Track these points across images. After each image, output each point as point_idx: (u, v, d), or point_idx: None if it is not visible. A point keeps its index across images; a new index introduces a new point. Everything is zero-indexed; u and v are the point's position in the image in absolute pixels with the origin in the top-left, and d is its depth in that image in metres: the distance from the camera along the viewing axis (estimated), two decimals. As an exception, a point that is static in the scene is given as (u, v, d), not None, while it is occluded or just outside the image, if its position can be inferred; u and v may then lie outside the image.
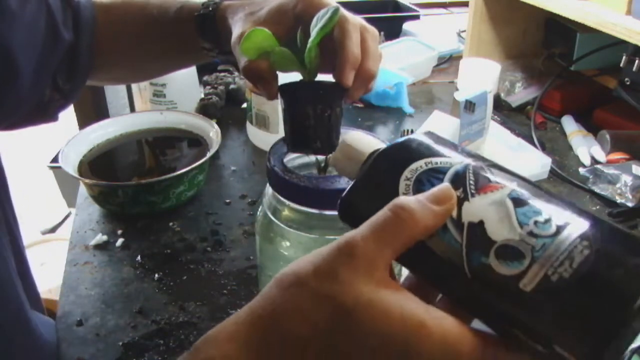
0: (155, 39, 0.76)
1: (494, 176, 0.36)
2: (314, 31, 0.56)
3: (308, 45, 0.56)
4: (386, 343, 0.32)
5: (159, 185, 0.89)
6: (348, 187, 0.41)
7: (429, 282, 0.37)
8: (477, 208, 0.35)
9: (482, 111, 1.03)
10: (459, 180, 0.36)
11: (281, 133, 1.07)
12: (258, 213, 0.64)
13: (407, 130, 1.16)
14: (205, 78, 1.31)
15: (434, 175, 0.37)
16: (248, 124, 1.13)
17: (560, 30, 1.21)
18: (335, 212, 0.56)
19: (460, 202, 0.35)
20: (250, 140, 1.15)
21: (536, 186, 0.36)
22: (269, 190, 0.61)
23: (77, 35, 0.72)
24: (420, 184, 0.37)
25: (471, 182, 0.36)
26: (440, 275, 0.36)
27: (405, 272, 0.39)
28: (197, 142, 1.02)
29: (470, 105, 1.00)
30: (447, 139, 0.42)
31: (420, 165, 0.38)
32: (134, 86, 1.13)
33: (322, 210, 0.57)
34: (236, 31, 0.62)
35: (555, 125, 1.21)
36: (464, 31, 1.50)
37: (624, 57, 1.05)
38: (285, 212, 0.60)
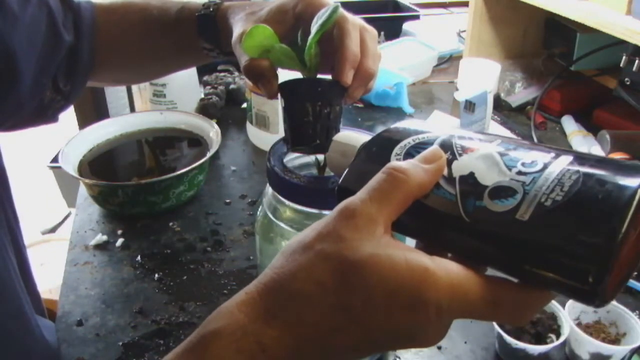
0: (156, 40, 0.76)
1: (479, 139, 0.39)
2: (313, 29, 0.57)
3: (308, 43, 0.56)
4: (394, 293, 0.32)
5: (159, 185, 0.89)
6: (343, 175, 0.42)
7: (430, 240, 0.38)
8: (466, 163, 0.37)
9: (482, 111, 1.03)
10: (446, 146, 0.38)
11: (281, 133, 1.07)
12: (258, 213, 0.64)
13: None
14: (205, 78, 1.31)
15: (421, 146, 0.39)
16: (248, 124, 1.13)
17: (560, 30, 1.21)
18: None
19: (449, 162, 0.37)
20: (250, 140, 1.15)
21: (521, 140, 0.39)
22: (269, 190, 0.61)
23: (77, 36, 0.72)
24: (410, 156, 0.39)
25: (457, 146, 0.38)
26: (440, 228, 0.37)
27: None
28: (197, 142, 1.03)
29: (470, 105, 1.00)
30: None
31: (408, 141, 0.40)
32: (134, 86, 1.13)
33: (322, 210, 0.57)
34: (237, 30, 0.62)
35: (555, 125, 1.21)
36: (464, 31, 1.50)
37: (624, 57, 1.05)
38: (285, 212, 0.60)
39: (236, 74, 1.33)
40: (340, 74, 0.57)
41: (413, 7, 1.67)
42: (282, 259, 0.36)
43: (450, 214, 0.36)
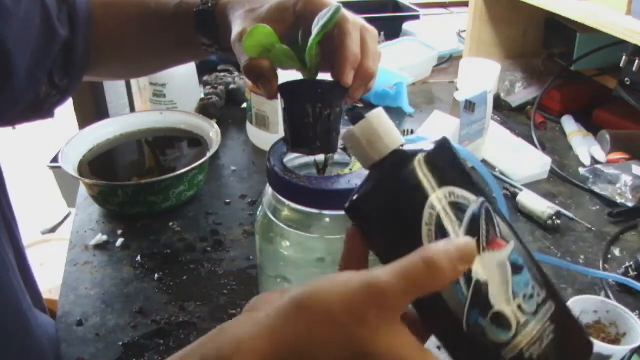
0: (154, 34, 0.75)
1: (499, 228, 0.39)
2: (315, 29, 0.56)
3: (309, 43, 0.56)
4: None
5: (159, 185, 0.89)
6: (363, 189, 0.41)
7: (428, 322, 0.40)
8: (485, 267, 0.38)
9: (482, 111, 1.03)
10: (474, 226, 0.38)
11: (281, 133, 1.07)
12: (258, 213, 0.64)
13: (407, 131, 1.15)
14: (205, 78, 1.31)
15: (455, 212, 0.38)
16: (248, 124, 1.14)
17: (560, 31, 1.21)
18: (334, 212, 0.57)
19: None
20: (250, 140, 1.15)
21: (524, 246, 0.40)
22: (269, 190, 0.61)
23: (72, 31, 0.71)
24: (443, 222, 0.38)
25: (484, 231, 0.39)
26: (440, 320, 0.38)
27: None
28: (197, 142, 1.03)
29: (470, 105, 1.00)
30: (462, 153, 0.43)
31: (445, 194, 0.38)
32: (134, 86, 1.13)
33: (322, 210, 0.57)
34: (236, 29, 0.62)
35: (555, 125, 1.21)
36: (464, 31, 1.50)
37: (624, 57, 1.05)
38: (285, 212, 0.60)
39: (236, 74, 1.33)
40: (341, 75, 0.57)
41: (413, 7, 1.66)
42: (300, 319, 0.36)
43: (454, 314, 0.37)
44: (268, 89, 0.59)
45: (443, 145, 0.40)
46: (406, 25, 1.56)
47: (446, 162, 0.40)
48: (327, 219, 0.58)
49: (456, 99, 1.00)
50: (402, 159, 0.39)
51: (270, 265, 0.65)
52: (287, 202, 0.58)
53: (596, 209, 0.96)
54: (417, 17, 1.62)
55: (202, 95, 1.23)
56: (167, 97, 1.16)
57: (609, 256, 0.86)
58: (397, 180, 0.39)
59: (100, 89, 1.03)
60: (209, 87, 1.26)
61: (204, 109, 1.18)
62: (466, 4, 1.46)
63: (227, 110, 1.25)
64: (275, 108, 1.06)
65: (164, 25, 0.74)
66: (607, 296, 0.78)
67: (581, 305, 0.72)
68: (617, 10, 0.94)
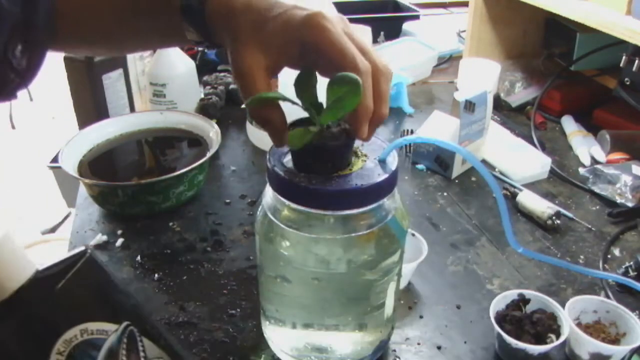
0: (133, 18, 0.67)
1: (143, 352, 0.36)
2: (330, 110, 0.55)
3: (321, 118, 0.56)
4: None
5: (159, 185, 0.89)
6: None
7: None
8: None
9: (482, 111, 1.03)
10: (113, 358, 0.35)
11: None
12: (258, 213, 0.64)
13: (407, 131, 1.15)
14: (205, 78, 1.31)
15: (88, 352, 0.34)
16: (248, 124, 1.14)
17: (560, 30, 1.21)
18: (335, 212, 0.57)
19: None
20: (250, 140, 1.15)
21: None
22: (268, 190, 0.61)
23: (29, 9, 0.63)
24: None
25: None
26: None
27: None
28: (197, 142, 1.03)
29: (470, 105, 1.00)
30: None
31: (74, 336, 0.34)
32: (134, 86, 1.13)
33: (322, 210, 0.57)
34: (239, 52, 0.57)
35: (555, 125, 1.21)
36: (464, 31, 1.50)
37: (623, 57, 1.05)
38: (285, 212, 0.60)
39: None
40: (356, 131, 0.56)
41: (413, 7, 1.67)
42: None
43: None
44: (277, 140, 0.58)
45: (81, 273, 0.36)
46: (406, 25, 1.56)
47: (82, 293, 0.36)
48: (330, 219, 0.58)
49: (456, 99, 1.00)
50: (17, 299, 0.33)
51: (270, 265, 0.65)
52: (287, 202, 0.58)
53: (596, 209, 0.96)
54: (417, 17, 1.62)
55: (202, 95, 1.23)
56: (167, 97, 1.16)
57: (609, 256, 0.86)
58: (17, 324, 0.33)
59: (100, 88, 1.03)
60: (208, 87, 1.26)
61: (204, 109, 1.18)
62: (466, 4, 1.45)
63: (227, 110, 1.25)
64: (275, 108, 1.06)
65: (143, 9, 0.66)
66: (607, 296, 0.78)
67: (581, 305, 0.72)
68: (617, 10, 0.94)
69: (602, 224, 0.92)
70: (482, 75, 1.20)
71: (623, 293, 0.79)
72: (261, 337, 0.71)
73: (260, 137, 1.11)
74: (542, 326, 0.70)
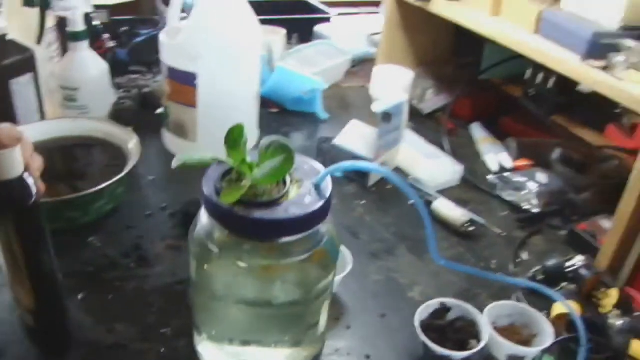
0: None
1: None
2: (268, 175, 0.57)
3: (259, 179, 0.58)
4: None
5: (79, 200, 0.86)
6: None
7: None
8: None
9: (398, 121, 1.07)
10: None
11: (200, 141, 1.06)
12: (191, 234, 0.64)
13: (327, 139, 1.17)
14: (117, 80, 1.26)
15: None
16: (164, 131, 1.11)
17: (469, 40, 1.27)
18: (273, 241, 0.58)
19: None
20: (167, 148, 1.12)
21: None
22: (204, 214, 0.61)
23: None
24: None
25: None
26: None
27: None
28: (113, 150, 0.99)
29: (387, 116, 1.03)
30: None
31: None
32: (43, 90, 1.08)
33: (261, 240, 0.58)
34: None
35: (466, 132, 1.28)
36: (375, 34, 1.54)
37: (528, 70, 1.12)
38: (221, 237, 0.60)
39: (149, 76, 1.30)
40: None
41: (324, 9, 1.69)
42: None
43: None
44: None
45: None
46: (318, 28, 1.58)
47: None
48: (266, 246, 0.59)
49: (373, 110, 1.02)
50: None
51: (206, 287, 0.65)
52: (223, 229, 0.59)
53: (505, 215, 1.03)
54: (327, 20, 1.64)
55: (115, 99, 1.19)
56: (79, 101, 1.11)
57: (518, 260, 0.93)
58: None
59: (8, 94, 0.97)
60: (121, 90, 1.22)
61: (118, 115, 1.15)
62: (375, 4, 1.49)
63: (141, 115, 1.21)
64: (194, 117, 1.04)
65: None
66: (518, 299, 0.85)
67: (497, 311, 0.78)
68: (526, 28, 1.00)
69: (512, 229, 0.99)
70: (396, 82, 1.24)
71: (533, 295, 0.86)
72: (194, 355, 0.71)
73: (178, 145, 1.09)
74: (464, 333, 0.75)
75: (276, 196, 0.58)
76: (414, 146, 1.14)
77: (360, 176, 1.08)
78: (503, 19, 1.06)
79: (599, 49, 0.90)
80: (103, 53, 1.32)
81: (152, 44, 1.37)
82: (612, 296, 0.83)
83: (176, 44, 1.01)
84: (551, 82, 1.10)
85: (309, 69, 1.35)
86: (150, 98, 1.23)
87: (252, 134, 1.14)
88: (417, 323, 0.74)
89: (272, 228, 0.57)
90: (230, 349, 0.67)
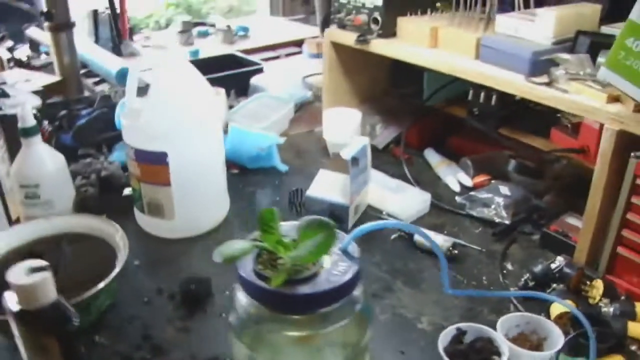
0: None
1: None
2: (310, 253, 0.60)
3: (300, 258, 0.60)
4: None
5: (82, 303, 0.84)
6: None
7: None
8: None
9: (364, 162, 1.12)
10: None
11: (178, 219, 1.06)
12: (233, 321, 0.65)
13: (297, 190, 1.19)
14: (72, 168, 1.23)
15: None
16: (138, 213, 1.10)
17: (407, 71, 1.35)
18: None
19: None
20: (143, 229, 1.11)
21: None
22: (242, 298, 0.63)
23: None
24: None
25: None
26: None
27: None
28: (95, 243, 0.97)
29: (355, 161, 1.08)
30: None
31: None
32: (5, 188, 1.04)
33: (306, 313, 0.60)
34: None
35: (420, 159, 1.34)
36: (308, 76, 1.59)
37: (470, 91, 1.21)
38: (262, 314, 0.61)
39: (101, 158, 1.28)
40: None
41: (254, 60, 1.72)
42: None
43: None
44: None
45: None
46: (253, 80, 1.61)
47: None
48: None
49: (343, 157, 1.06)
50: None
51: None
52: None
53: (479, 231, 1.10)
54: (260, 71, 1.68)
55: (76, 188, 1.16)
56: (42, 197, 1.08)
57: (505, 272, 1.00)
58: None
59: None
60: (79, 177, 1.20)
61: (82, 204, 1.13)
62: (296, 44, 1.53)
63: (104, 199, 1.19)
64: (170, 194, 1.05)
65: None
66: (516, 307, 0.91)
67: (506, 325, 0.83)
68: (466, 55, 1.08)
69: (489, 244, 1.06)
70: (346, 123, 1.30)
71: (528, 301, 0.92)
72: None
73: (156, 224, 1.09)
74: (485, 352, 0.80)
75: (314, 269, 0.61)
76: (379, 183, 1.19)
77: (338, 223, 1.11)
78: (441, 50, 1.14)
79: (540, 65, 1.00)
80: (46, 141, 1.29)
81: (96, 124, 1.36)
82: (598, 287, 0.91)
83: (140, 126, 1.01)
84: (494, 99, 1.19)
85: (258, 124, 1.38)
86: (111, 180, 1.22)
87: (223, 201, 1.16)
88: (442, 352, 0.78)
89: (317, 300, 0.60)
90: None
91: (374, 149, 1.37)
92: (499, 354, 0.79)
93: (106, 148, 1.34)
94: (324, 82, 1.40)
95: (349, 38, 1.28)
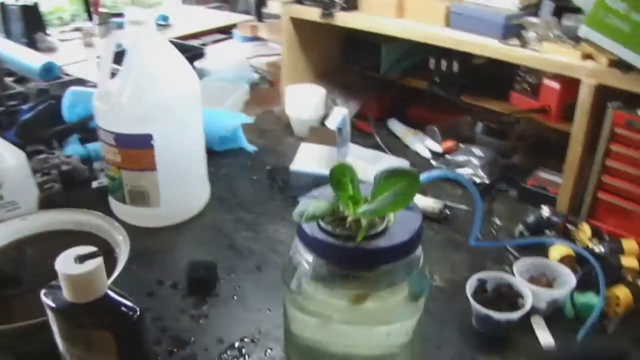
0: None
1: None
2: (392, 203, 0.59)
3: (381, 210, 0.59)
4: None
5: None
6: None
7: None
8: None
9: (346, 132, 1.13)
10: None
11: (163, 206, 1.01)
12: (293, 287, 0.63)
13: (274, 168, 1.17)
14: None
15: None
16: (117, 204, 1.04)
17: (363, 46, 1.37)
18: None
19: None
20: (122, 221, 1.04)
21: None
22: (312, 261, 0.61)
23: None
24: None
25: None
26: None
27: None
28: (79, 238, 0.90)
29: (340, 131, 1.08)
30: None
31: None
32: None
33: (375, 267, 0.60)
34: None
35: (384, 130, 1.37)
36: (251, 58, 1.57)
37: (431, 60, 1.25)
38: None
39: (57, 152, 1.19)
40: None
41: (196, 45, 1.67)
42: None
43: None
44: None
45: None
46: (197, 64, 1.55)
47: None
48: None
49: (330, 128, 1.07)
50: None
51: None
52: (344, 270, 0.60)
53: (461, 193, 1.13)
54: (201, 55, 1.63)
55: (38, 185, 1.07)
56: (5, 198, 0.98)
57: (495, 226, 1.05)
58: None
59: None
60: (39, 174, 1.11)
61: (50, 200, 1.04)
62: (220, 31, 1.48)
63: (69, 194, 1.11)
64: (155, 180, 0.99)
65: None
66: (515, 257, 0.96)
67: (519, 269, 0.87)
68: (436, 24, 1.11)
69: (473, 203, 1.09)
70: (310, 99, 1.30)
71: (523, 250, 0.97)
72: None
73: (139, 214, 1.02)
74: (511, 296, 0.83)
75: (383, 226, 0.60)
76: (356, 155, 1.19)
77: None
78: (408, 20, 1.17)
79: (512, 29, 1.05)
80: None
81: (42, 118, 1.26)
82: (585, 230, 0.98)
83: (120, 108, 0.94)
84: (455, 67, 1.24)
85: (214, 108, 1.33)
86: (73, 175, 1.13)
87: (205, 184, 1.12)
88: (472, 301, 0.80)
89: (394, 252, 0.59)
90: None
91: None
92: (521, 297, 0.82)
93: (57, 142, 1.24)
94: (283, 59, 1.39)
95: (310, 13, 1.27)
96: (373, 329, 0.63)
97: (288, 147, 1.29)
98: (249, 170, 1.24)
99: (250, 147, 1.29)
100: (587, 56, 0.98)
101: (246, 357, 0.78)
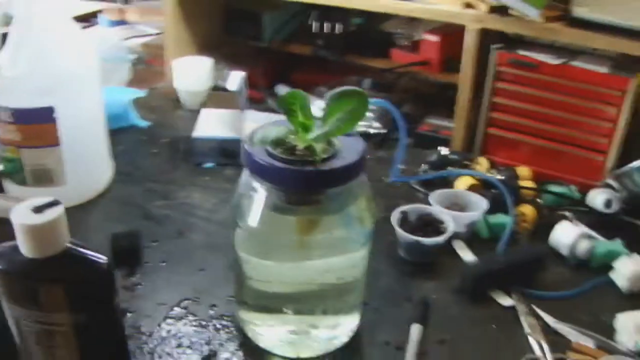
0: None
1: None
2: (343, 122, 0.61)
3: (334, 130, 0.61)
4: None
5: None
6: None
7: None
8: None
9: (244, 95, 1.14)
10: None
11: (69, 183, 0.96)
12: (236, 208, 0.63)
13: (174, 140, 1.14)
14: None
15: None
16: (17, 188, 0.96)
17: (244, 16, 1.37)
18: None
19: None
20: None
21: None
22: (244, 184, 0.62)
23: None
24: None
25: None
26: None
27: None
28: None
29: (239, 93, 1.09)
30: None
31: None
32: None
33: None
34: None
35: (273, 97, 1.38)
36: (128, 38, 1.52)
37: (315, 24, 1.29)
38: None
39: None
40: None
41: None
42: None
43: None
44: None
45: None
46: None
47: None
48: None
49: (232, 91, 1.06)
50: None
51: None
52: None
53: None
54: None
55: None
56: None
57: (400, 170, 1.11)
58: None
59: None
60: None
61: None
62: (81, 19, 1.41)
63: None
64: (58, 156, 0.93)
65: None
66: (423, 193, 1.03)
67: (434, 199, 0.94)
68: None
69: (374, 153, 1.16)
70: (199, 71, 1.29)
71: (427, 186, 1.04)
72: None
73: (43, 195, 0.95)
74: (434, 223, 0.89)
75: (333, 149, 0.62)
76: (253, 119, 1.20)
77: (232, 158, 1.10)
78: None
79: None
80: None
81: None
82: (482, 163, 1.08)
83: (16, 81, 0.87)
84: (337, 28, 1.29)
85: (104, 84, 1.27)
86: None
87: (109, 159, 1.07)
88: (398, 229, 0.86)
89: (344, 173, 0.61)
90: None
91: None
92: (442, 222, 0.89)
93: None
94: (166, 34, 1.36)
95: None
96: (325, 262, 0.65)
97: (180, 119, 1.28)
98: (147, 144, 1.20)
99: (143, 123, 1.25)
100: (468, 5, 1.07)
101: (192, 315, 0.77)
